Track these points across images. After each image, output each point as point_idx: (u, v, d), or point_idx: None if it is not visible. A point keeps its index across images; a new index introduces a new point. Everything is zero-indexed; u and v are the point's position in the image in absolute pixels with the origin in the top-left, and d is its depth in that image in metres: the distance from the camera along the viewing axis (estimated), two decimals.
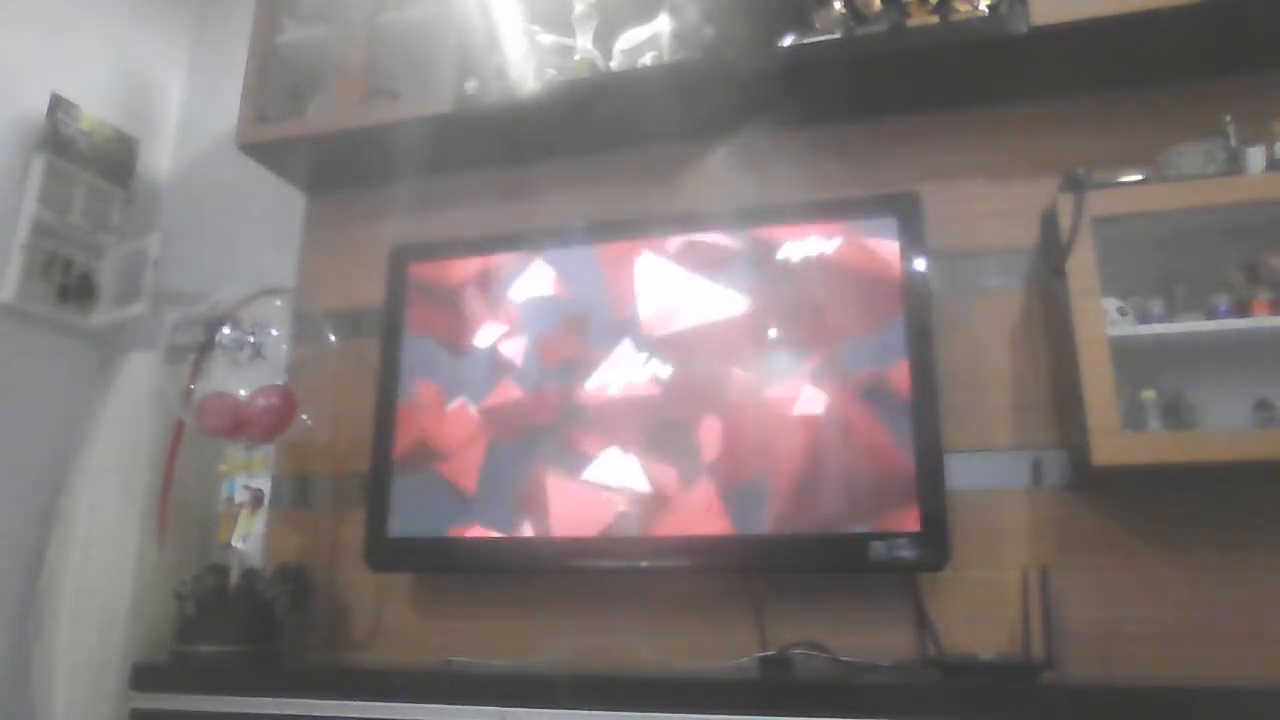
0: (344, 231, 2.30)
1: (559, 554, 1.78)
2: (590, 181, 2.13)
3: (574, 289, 1.91)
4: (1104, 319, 1.51)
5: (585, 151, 2.13)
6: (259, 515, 1.99)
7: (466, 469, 1.86)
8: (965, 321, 1.80)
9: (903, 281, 1.70)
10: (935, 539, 1.57)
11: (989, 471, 1.72)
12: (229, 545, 1.89)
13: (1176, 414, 1.59)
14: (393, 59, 2.17)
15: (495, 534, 1.82)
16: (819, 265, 1.78)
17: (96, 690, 1.80)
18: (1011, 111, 1.87)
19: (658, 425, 1.77)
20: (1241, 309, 1.52)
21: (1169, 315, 1.56)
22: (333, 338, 2.12)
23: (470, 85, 1.98)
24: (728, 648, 1.73)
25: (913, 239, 1.72)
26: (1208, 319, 1.53)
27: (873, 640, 1.67)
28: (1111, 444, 1.46)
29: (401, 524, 1.87)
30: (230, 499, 1.94)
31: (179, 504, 1.99)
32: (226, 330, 1.96)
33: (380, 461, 1.91)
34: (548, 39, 1.99)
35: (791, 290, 1.78)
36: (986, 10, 1.70)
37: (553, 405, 1.85)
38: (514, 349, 1.91)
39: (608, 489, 1.77)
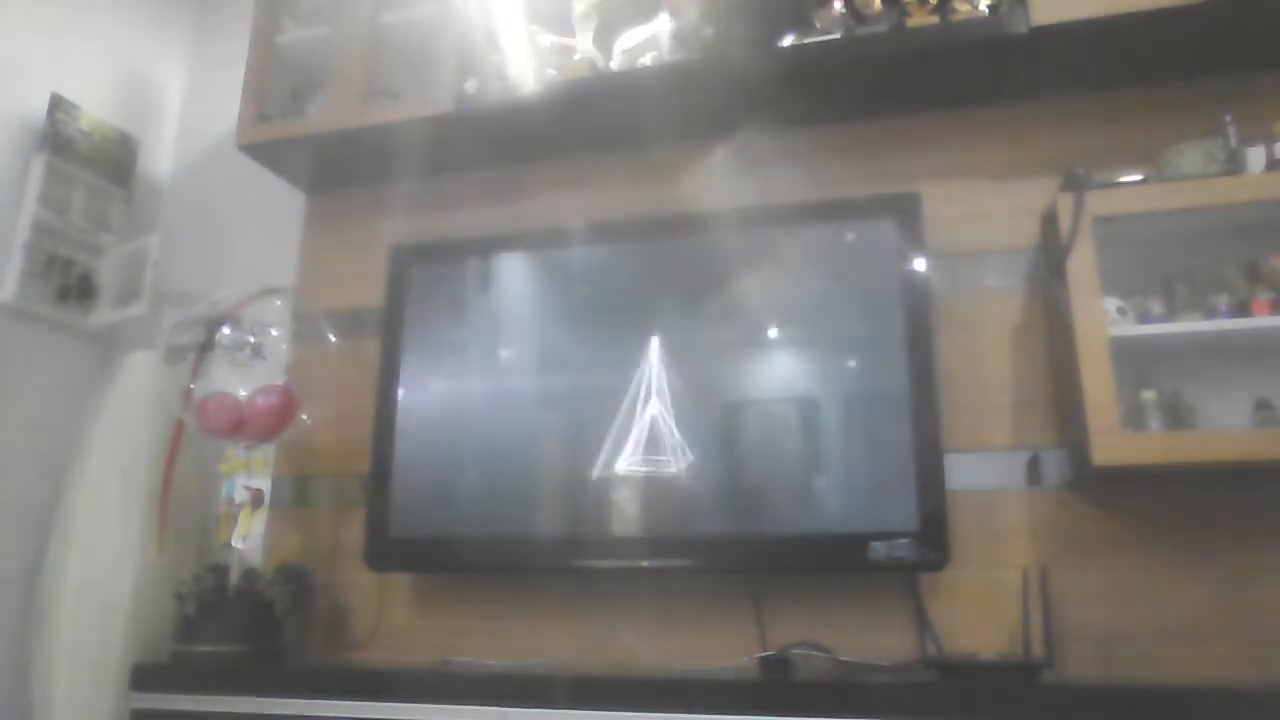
0: (344, 231, 2.30)
1: (559, 554, 1.78)
2: (590, 181, 2.13)
3: (573, 289, 1.91)
4: (1104, 319, 1.51)
5: (585, 151, 2.13)
6: (259, 515, 1.99)
7: (466, 467, 1.86)
8: (965, 321, 1.80)
9: (903, 281, 1.70)
10: (935, 539, 1.57)
11: (989, 471, 1.72)
12: (229, 545, 1.89)
13: (1176, 414, 1.59)
14: (393, 59, 2.17)
15: (495, 534, 1.82)
16: (819, 265, 1.78)
17: (96, 690, 1.80)
18: (1011, 111, 1.87)
19: (659, 425, 1.77)
20: (1241, 309, 1.52)
21: (1169, 315, 1.56)
22: (333, 338, 2.12)
23: (470, 85, 1.98)
24: (728, 648, 1.73)
25: (913, 239, 1.72)
26: (1208, 319, 1.53)
27: (873, 640, 1.67)
28: (1111, 444, 1.46)
29: (402, 523, 1.87)
30: (230, 499, 1.94)
31: (179, 504, 1.98)
32: (226, 330, 1.97)
33: (380, 461, 1.91)
34: (548, 39, 1.99)
35: (791, 290, 1.78)
36: (986, 10, 1.70)
37: (553, 404, 1.85)
38: (514, 348, 1.91)
39: (608, 489, 1.78)
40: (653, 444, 1.77)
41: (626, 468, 1.76)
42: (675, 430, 1.75)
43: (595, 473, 1.78)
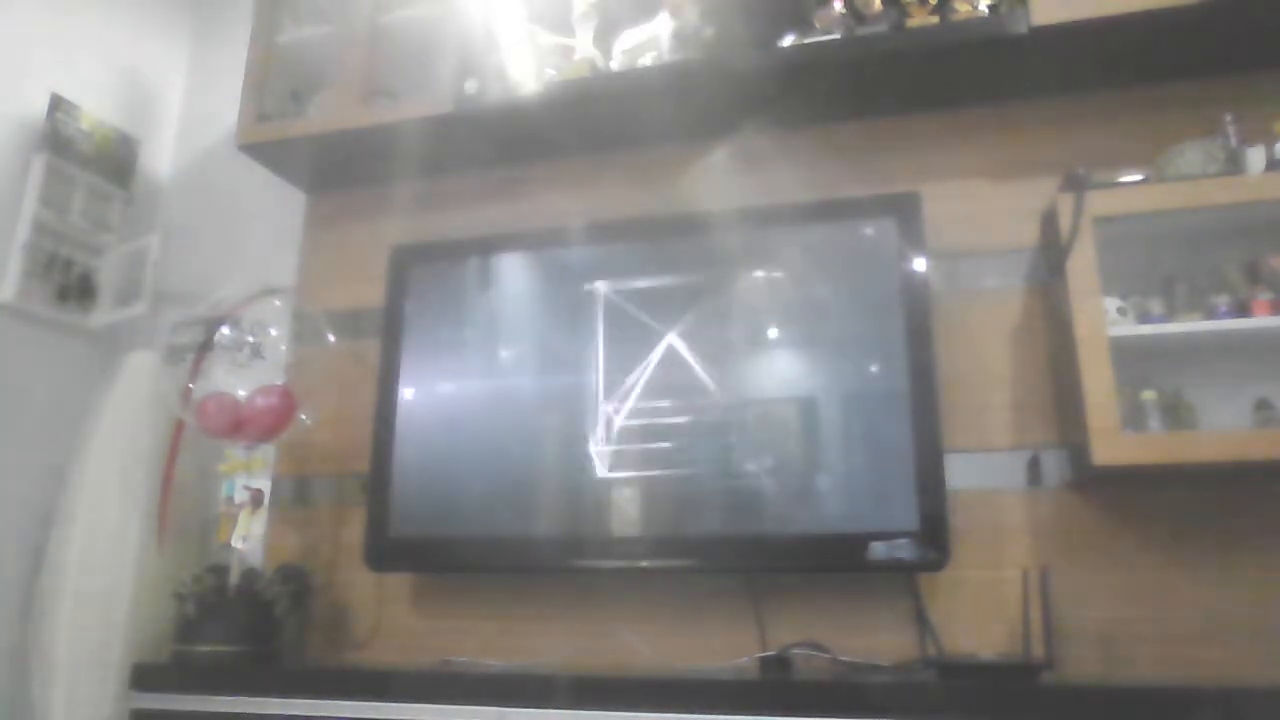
0: (344, 231, 2.30)
1: (559, 554, 1.78)
2: (590, 181, 2.13)
3: (573, 288, 1.91)
4: (1104, 319, 1.51)
5: (585, 151, 2.13)
6: (259, 515, 1.99)
7: (466, 468, 1.86)
8: (965, 321, 1.80)
9: (903, 281, 1.70)
10: (935, 539, 1.57)
11: (989, 471, 1.72)
12: (229, 545, 1.89)
13: (1176, 414, 1.59)
14: (393, 59, 2.17)
15: (495, 534, 1.82)
16: (819, 265, 1.78)
17: (96, 690, 1.80)
18: (1011, 111, 1.87)
19: (657, 424, 1.77)
20: (1241, 309, 1.52)
21: (1169, 315, 1.56)
22: (332, 338, 2.11)
23: (470, 85, 1.98)
24: (728, 648, 1.73)
25: (913, 239, 1.72)
26: (1208, 319, 1.53)
27: (873, 640, 1.67)
28: (1111, 444, 1.46)
29: (402, 523, 1.87)
30: (230, 499, 1.94)
31: (179, 504, 1.99)
32: (226, 330, 1.97)
33: (380, 461, 1.91)
34: (548, 39, 1.99)
35: (792, 290, 1.78)
36: (986, 10, 1.70)
37: (553, 404, 1.84)
38: (514, 348, 1.91)
39: (608, 488, 1.78)
40: (652, 441, 1.76)
41: (626, 465, 1.76)
42: (674, 428, 1.75)
43: (595, 469, 1.78)
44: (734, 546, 1.70)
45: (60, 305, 2.14)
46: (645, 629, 1.80)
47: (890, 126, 1.95)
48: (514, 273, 1.98)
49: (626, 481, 1.77)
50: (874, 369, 1.68)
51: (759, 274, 1.81)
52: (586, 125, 2.03)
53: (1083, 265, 1.53)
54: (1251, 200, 1.50)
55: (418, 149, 2.10)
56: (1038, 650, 1.54)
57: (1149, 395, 1.58)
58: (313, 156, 2.20)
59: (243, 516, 1.91)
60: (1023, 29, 1.65)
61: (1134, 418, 1.56)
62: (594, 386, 1.82)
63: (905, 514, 1.59)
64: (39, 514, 1.99)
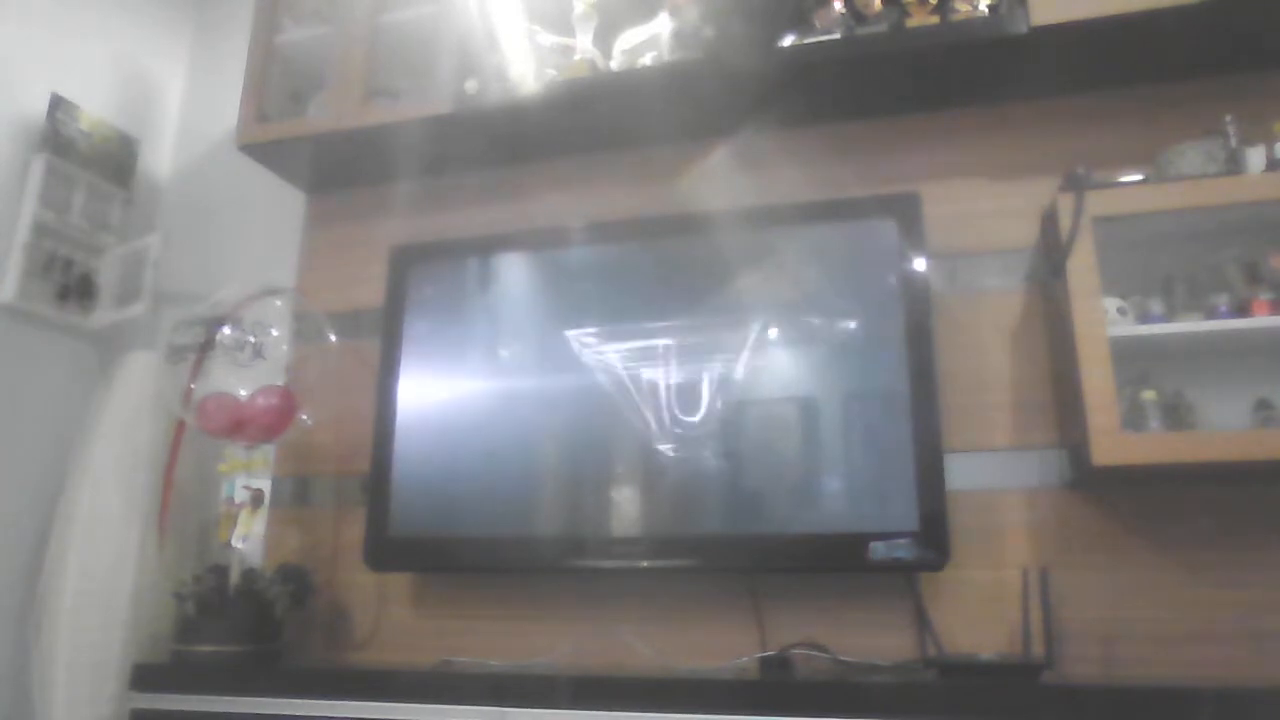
0: (344, 231, 2.30)
1: (559, 554, 1.78)
2: (590, 181, 2.13)
3: (573, 289, 1.91)
4: (1104, 319, 1.51)
5: (585, 151, 2.13)
6: (259, 515, 1.99)
7: (466, 467, 1.86)
8: (965, 321, 1.80)
9: (903, 282, 1.70)
10: (935, 539, 1.57)
11: (989, 471, 1.72)
12: (229, 545, 1.89)
13: (1176, 414, 1.59)
14: (393, 59, 2.17)
15: (495, 534, 1.82)
16: (819, 265, 1.78)
17: (96, 690, 1.80)
18: (1011, 111, 1.88)
19: (657, 424, 1.77)
20: (1241, 309, 1.52)
21: (1169, 315, 1.56)
22: (333, 338, 2.11)
23: (470, 85, 1.98)
24: (728, 648, 1.73)
25: (913, 239, 1.72)
26: (1207, 319, 1.53)
27: (873, 640, 1.67)
28: (1111, 444, 1.46)
29: (402, 523, 1.87)
30: (230, 499, 1.94)
31: (179, 504, 1.99)
32: (226, 330, 1.96)
33: (380, 461, 1.91)
34: (548, 39, 1.99)
35: (792, 290, 1.78)
36: (986, 10, 1.70)
37: (552, 404, 1.84)
38: (513, 348, 1.91)
39: (608, 488, 1.78)
40: (652, 441, 1.76)
41: (625, 464, 1.76)
42: (674, 428, 1.75)
43: (595, 468, 1.77)
44: (734, 546, 1.70)
45: (60, 305, 2.14)
46: (645, 629, 1.79)
47: (890, 126, 1.95)
48: (514, 273, 1.97)
49: (627, 480, 1.77)
50: (874, 369, 1.68)
51: (759, 274, 1.80)
52: (586, 125, 2.03)
53: (1083, 265, 1.53)
54: (1251, 200, 1.50)
55: (418, 149, 2.11)
56: (1038, 650, 1.54)
57: (1149, 395, 1.58)
58: (313, 156, 2.20)
59: (243, 516, 1.91)
60: (1023, 29, 1.65)
61: (1134, 418, 1.56)
62: (593, 385, 1.82)
63: (905, 514, 1.59)
64: (39, 514, 1.99)
